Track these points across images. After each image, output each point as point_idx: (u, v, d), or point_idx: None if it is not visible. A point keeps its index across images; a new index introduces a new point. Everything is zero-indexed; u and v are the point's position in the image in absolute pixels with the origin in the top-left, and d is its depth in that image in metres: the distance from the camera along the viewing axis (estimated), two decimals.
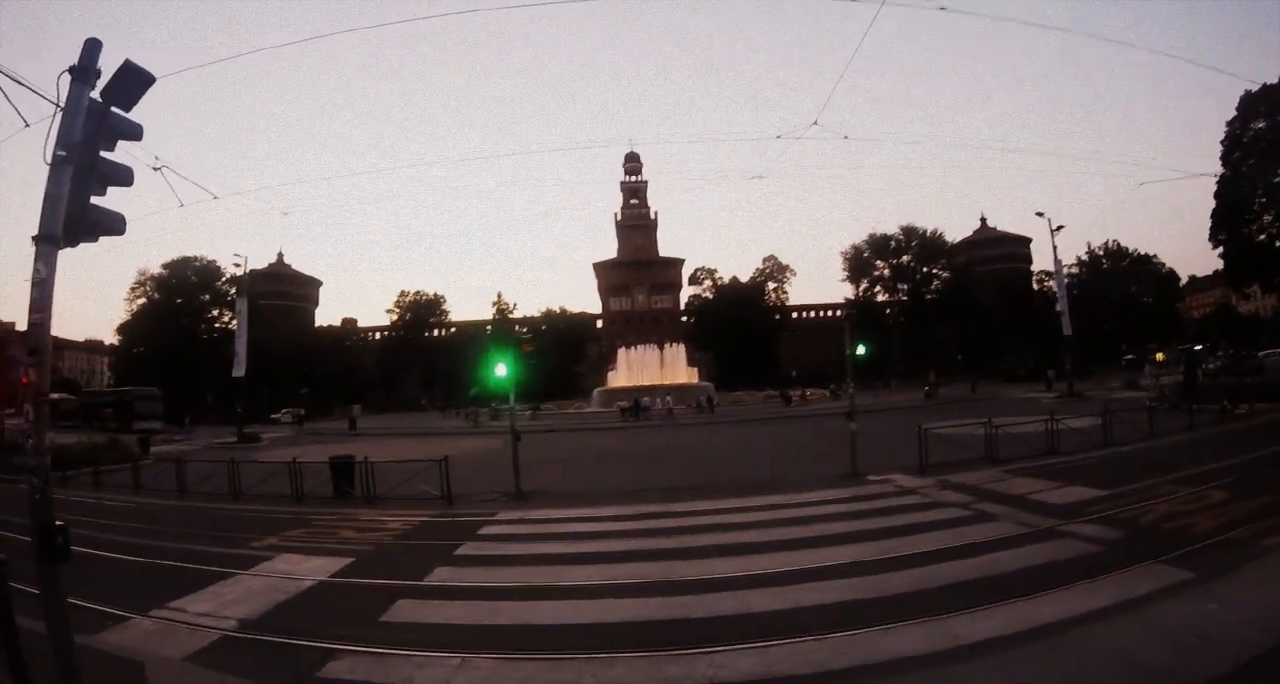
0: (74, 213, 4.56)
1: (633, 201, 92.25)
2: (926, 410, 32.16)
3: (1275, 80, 45.71)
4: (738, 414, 42.19)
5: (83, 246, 4.81)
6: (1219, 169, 48.41)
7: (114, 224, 4.92)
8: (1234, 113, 49.28)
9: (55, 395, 38.44)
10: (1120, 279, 77.04)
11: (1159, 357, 45.22)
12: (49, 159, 4.49)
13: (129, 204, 4.97)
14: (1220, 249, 52.01)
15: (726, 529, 9.91)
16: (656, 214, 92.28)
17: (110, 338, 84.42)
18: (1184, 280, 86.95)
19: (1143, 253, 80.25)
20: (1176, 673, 4.48)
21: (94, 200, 4.78)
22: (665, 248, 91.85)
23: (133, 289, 77.05)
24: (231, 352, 40.83)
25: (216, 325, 77.19)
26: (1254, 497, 9.18)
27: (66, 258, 4.53)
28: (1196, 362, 29.13)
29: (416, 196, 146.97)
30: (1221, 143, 50.36)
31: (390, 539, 10.62)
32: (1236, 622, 5.10)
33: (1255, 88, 45.00)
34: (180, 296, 76.00)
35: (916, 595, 6.41)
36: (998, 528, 8.95)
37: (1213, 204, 50.67)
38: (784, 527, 9.77)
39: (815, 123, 19.63)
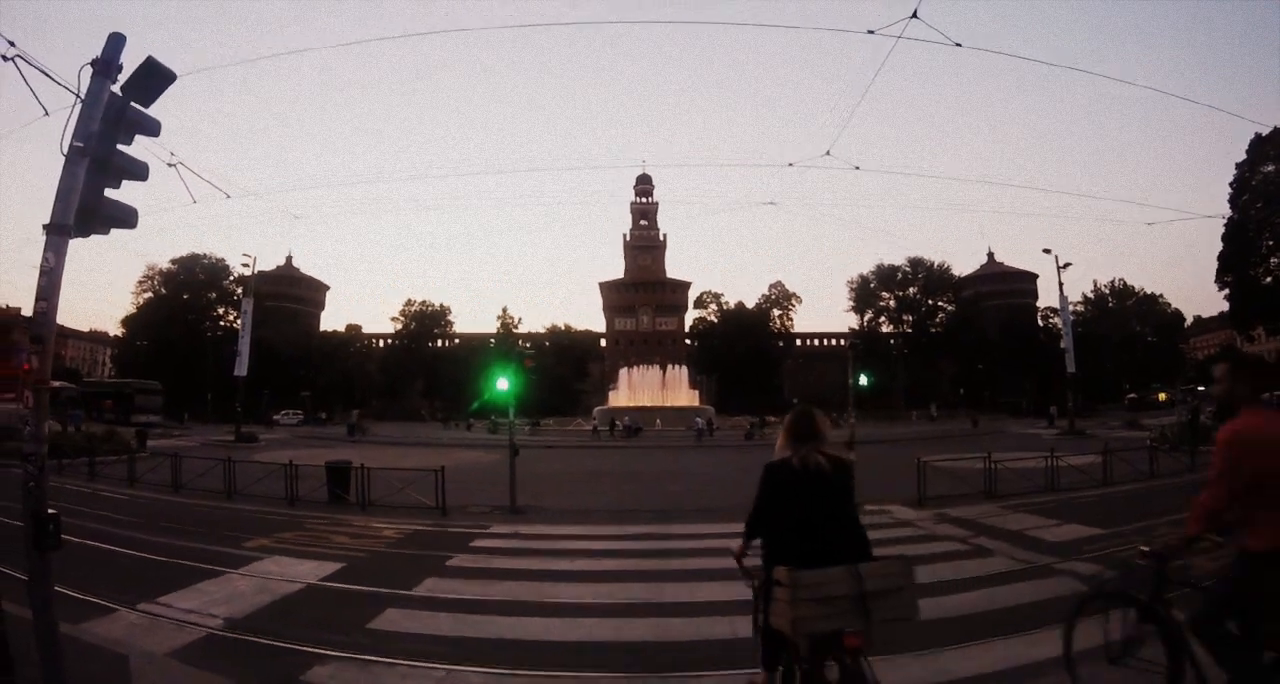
0: (87, 204, 4.59)
1: (642, 223, 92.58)
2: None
3: None
4: (738, 439, 41.98)
5: (93, 237, 4.84)
6: (1227, 211, 48.46)
7: (126, 217, 4.95)
8: (1244, 155, 49.44)
9: (56, 383, 38.48)
10: (1125, 318, 76.87)
11: (1161, 397, 44.96)
12: (66, 150, 4.52)
13: (142, 196, 5.01)
14: (1226, 291, 51.93)
15: (720, 554, 9.78)
16: (665, 236, 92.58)
17: (114, 330, 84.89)
18: (1189, 321, 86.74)
19: (1149, 292, 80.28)
20: None
21: (108, 193, 4.81)
22: (673, 270, 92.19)
23: (140, 283, 77.78)
24: (234, 351, 40.89)
25: (221, 324, 77.38)
26: None
27: (75, 247, 4.55)
28: (1200, 403, 28.98)
29: (428, 208, 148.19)
30: (1230, 185, 50.48)
31: (382, 547, 10.54)
32: None
33: (1265, 131, 45.14)
34: (187, 293, 76.39)
35: (908, 627, 6.31)
36: (994, 563, 8.86)
37: (1220, 245, 50.76)
38: None
39: (828, 152, 19.70)
